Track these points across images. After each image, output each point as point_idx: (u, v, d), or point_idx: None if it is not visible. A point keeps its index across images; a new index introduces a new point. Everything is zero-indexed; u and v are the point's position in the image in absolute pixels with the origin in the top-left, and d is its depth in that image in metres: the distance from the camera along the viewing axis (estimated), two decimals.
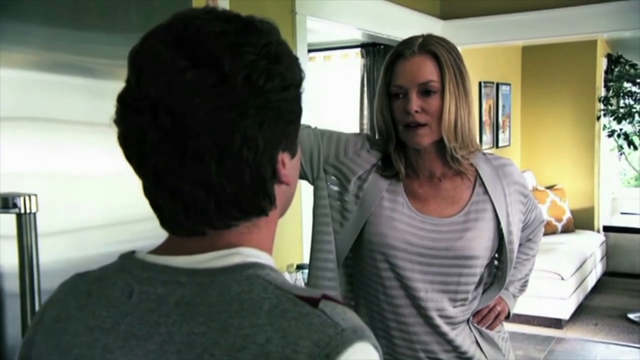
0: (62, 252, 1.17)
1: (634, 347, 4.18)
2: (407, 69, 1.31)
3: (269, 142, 0.63)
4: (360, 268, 1.40)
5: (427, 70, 1.30)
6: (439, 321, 1.33)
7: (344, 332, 0.57)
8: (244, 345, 0.57)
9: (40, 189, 1.07)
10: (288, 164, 0.67)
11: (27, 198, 1.02)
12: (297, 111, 0.67)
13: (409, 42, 1.33)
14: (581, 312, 4.80)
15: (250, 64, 0.61)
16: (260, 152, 0.62)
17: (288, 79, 0.64)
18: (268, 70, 0.62)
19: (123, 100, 0.63)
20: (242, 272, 0.62)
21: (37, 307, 1.04)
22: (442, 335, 1.34)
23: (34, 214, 1.03)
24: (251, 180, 0.63)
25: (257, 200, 0.65)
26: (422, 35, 1.35)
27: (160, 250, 0.68)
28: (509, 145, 5.49)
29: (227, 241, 0.65)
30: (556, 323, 4.52)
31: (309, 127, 1.41)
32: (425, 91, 1.30)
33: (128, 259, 0.68)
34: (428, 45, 1.31)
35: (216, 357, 0.58)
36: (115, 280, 0.67)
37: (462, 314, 1.38)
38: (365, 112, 4.86)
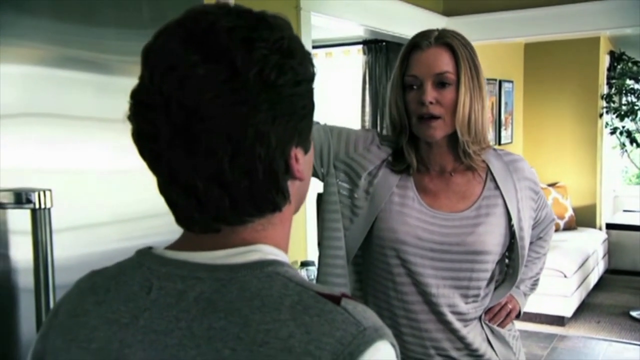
0: (74, 248, 1.17)
1: (637, 344, 4.18)
2: (423, 60, 1.30)
3: (281, 138, 0.63)
4: (370, 265, 1.39)
5: (443, 62, 1.29)
6: (451, 317, 1.33)
7: (366, 331, 0.58)
8: (266, 340, 0.57)
9: (52, 185, 1.07)
10: (302, 160, 0.67)
11: (41, 193, 1.02)
12: (310, 106, 0.67)
13: (425, 34, 1.33)
14: (583, 310, 4.81)
15: (262, 58, 0.61)
16: (272, 147, 0.62)
17: (300, 73, 0.64)
18: (280, 65, 0.62)
19: (136, 96, 0.63)
20: (262, 269, 0.62)
21: (51, 303, 1.04)
22: (453, 332, 1.34)
23: (49, 209, 1.03)
24: (264, 175, 0.62)
25: (271, 196, 0.65)
26: (438, 29, 1.35)
27: (177, 246, 0.68)
28: (511, 142, 5.49)
29: (242, 238, 0.65)
30: (559, 320, 4.53)
31: (318, 123, 1.40)
32: (441, 83, 1.29)
33: (146, 255, 0.68)
34: (444, 38, 1.31)
35: (237, 352, 0.58)
36: (134, 276, 0.67)
37: (474, 311, 1.37)
38: (367, 109, 4.86)
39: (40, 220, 1.02)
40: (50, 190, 1.03)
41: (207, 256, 0.64)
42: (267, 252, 0.65)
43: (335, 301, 0.60)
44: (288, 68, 0.62)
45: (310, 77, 0.67)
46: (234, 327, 0.59)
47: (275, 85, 0.61)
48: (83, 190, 1.19)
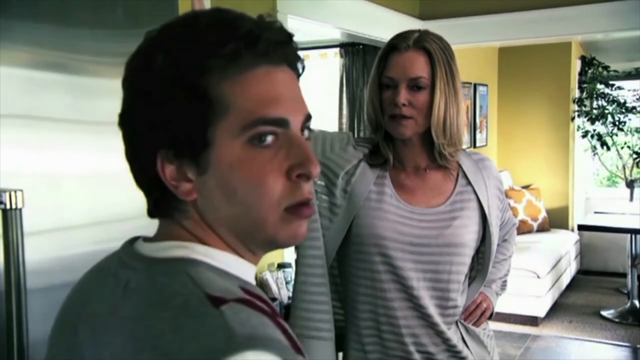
0: (48, 251, 1.15)
1: (608, 343, 4.26)
2: (400, 63, 1.34)
3: (147, 137, 0.64)
4: (348, 269, 1.40)
5: (419, 66, 1.32)
6: (432, 311, 1.35)
7: (235, 339, 0.53)
8: (142, 336, 0.57)
9: (25, 188, 1.06)
10: (171, 168, 0.63)
11: (12, 193, 1.01)
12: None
13: (404, 36, 1.36)
14: (556, 310, 4.88)
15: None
16: (140, 145, 0.65)
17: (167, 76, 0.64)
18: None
19: None
20: (174, 266, 0.62)
21: (23, 305, 1.02)
22: (433, 326, 1.36)
23: (20, 209, 1.01)
24: (139, 172, 0.66)
25: (156, 195, 0.66)
26: (419, 30, 1.38)
27: (150, 237, 0.69)
28: (486, 145, 5.56)
29: (171, 232, 0.66)
30: (532, 320, 4.59)
31: None
32: (415, 86, 1.33)
33: (127, 242, 0.70)
34: (423, 42, 1.34)
35: (123, 346, 0.59)
36: (110, 260, 0.70)
37: (454, 305, 1.39)
38: (345, 112, 4.87)
39: (11, 221, 1.01)
40: (21, 191, 1.02)
41: (149, 247, 0.66)
42: (197, 251, 0.63)
43: (216, 304, 0.56)
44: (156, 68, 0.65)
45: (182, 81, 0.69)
46: (130, 320, 0.60)
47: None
48: (58, 192, 1.18)
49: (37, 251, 1.11)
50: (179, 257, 0.63)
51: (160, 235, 0.67)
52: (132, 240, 0.70)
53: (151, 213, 0.68)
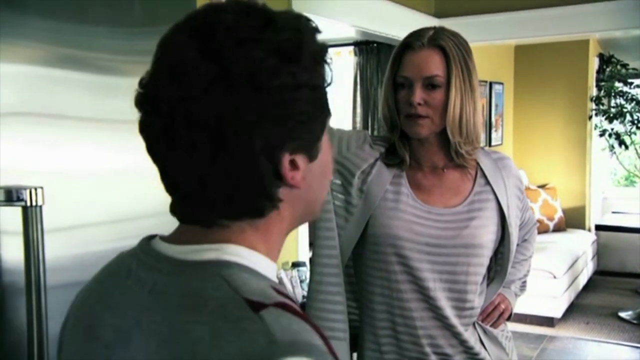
0: (67, 248, 1.16)
1: (626, 345, 4.21)
2: (414, 62, 1.32)
3: (268, 142, 0.61)
4: (364, 268, 1.39)
5: (434, 65, 1.30)
6: (448, 312, 1.33)
7: (276, 345, 0.53)
8: (179, 340, 0.57)
9: (44, 185, 1.06)
10: (302, 167, 0.65)
11: (33, 191, 1.01)
12: (312, 112, 0.65)
13: (419, 34, 1.34)
14: (573, 311, 4.84)
15: (255, 60, 0.60)
16: (257, 150, 0.61)
17: (301, 78, 0.62)
18: (276, 68, 0.60)
19: (140, 85, 0.64)
20: (206, 268, 0.62)
21: (43, 303, 1.03)
22: (450, 327, 1.34)
23: (40, 207, 1.02)
24: (247, 179, 0.61)
25: (252, 201, 0.64)
26: (434, 28, 1.36)
27: (169, 236, 0.69)
28: (501, 144, 5.51)
29: (215, 237, 0.64)
30: (548, 321, 4.55)
31: None
32: (430, 85, 1.31)
33: (142, 242, 0.70)
34: (437, 39, 1.31)
35: (159, 348, 0.59)
36: (125, 260, 0.69)
37: (471, 308, 1.37)
38: (359, 110, 4.86)
39: (31, 218, 1.01)
40: (42, 188, 1.03)
41: (176, 250, 0.65)
42: (228, 252, 0.63)
43: (256, 309, 0.56)
44: (285, 72, 0.61)
45: (317, 83, 0.65)
46: (163, 324, 0.59)
47: (266, 89, 0.60)
48: (76, 190, 1.18)
49: (56, 248, 1.11)
50: (211, 260, 0.62)
51: (192, 239, 0.65)
52: (148, 239, 0.69)
53: (226, 215, 0.64)
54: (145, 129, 0.63)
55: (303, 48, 0.63)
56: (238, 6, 0.63)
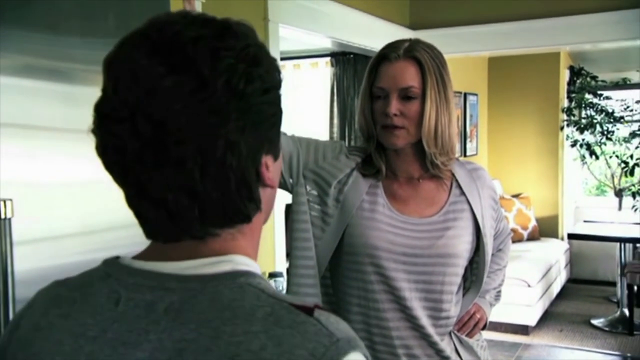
0: (37, 260, 1.14)
1: (598, 352, 4.27)
2: (390, 73, 1.33)
3: (252, 146, 0.62)
4: (340, 278, 1.39)
5: (409, 76, 1.32)
6: (424, 322, 1.34)
7: (339, 342, 0.57)
8: (238, 353, 0.56)
9: (15, 196, 1.04)
10: (272, 167, 0.67)
11: (2, 203, 0.99)
12: (279, 113, 0.68)
13: (395, 46, 1.35)
14: (547, 319, 4.89)
15: (229, 68, 0.60)
16: (244, 156, 0.61)
17: (268, 81, 0.64)
18: (248, 73, 0.61)
19: (100, 109, 0.62)
20: (234, 280, 0.62)
21: (11, 316, 1.01)
22: (426, 337, 1.35)
23: (9, 219, 1.00)
24: (237, 185, 0.62)
25: (243, 206, 0.64)
26: (410, 40, 1.37)
27: (145, 256, 0.66)
28: (476, 154, 5.58)
29: (211, 248, 0.64)
30: (523, 329, 4.60)
31: (285, 134, 1.41)
32: (406, 96, 1.32)
33: (113, 265, 0.67)
34: (413, 51, 1.33)
35: None
36: (101, 287, 0.65)
37: (446, 318, 1.38)
38: (335, 121, 4.88)
39: (0, 231, 1.00)
40: (11, 200, 1.01)
41: (176, 266, 0.63)
42: (239, 262, 0.64)
43: (308, 312, 0.59)
44: (256, 76, 0.62)
45: (277, 84, 0.67)
46: (205, 339, 0.58)
47: (244, 94, 0.61)
48: (46, 201, 1.17)
49: (26, 260, 1.10)
50: (230, 271, 0.62)
51: (189, 254, 0.63)
52: (114, 261, 0.66)
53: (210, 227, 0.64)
54: (116, 151, 0.61)
55: (262, 51, 0.65)
56: (187, 18, 0.63)
